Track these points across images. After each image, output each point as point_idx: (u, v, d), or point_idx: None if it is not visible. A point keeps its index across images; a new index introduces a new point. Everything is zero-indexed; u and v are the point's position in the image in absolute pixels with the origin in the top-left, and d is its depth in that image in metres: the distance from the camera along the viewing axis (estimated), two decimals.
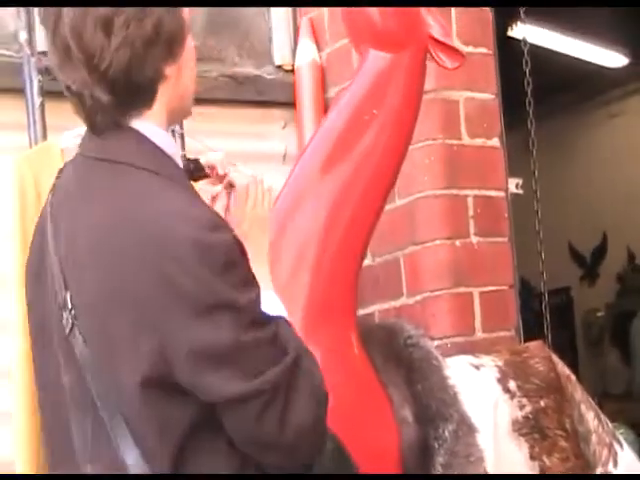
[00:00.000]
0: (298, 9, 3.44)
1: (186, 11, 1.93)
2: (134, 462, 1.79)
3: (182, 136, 2.84)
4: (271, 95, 3.35)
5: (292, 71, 3.37)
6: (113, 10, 1.81)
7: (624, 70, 8.46)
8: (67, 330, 1.86)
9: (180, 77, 1.92)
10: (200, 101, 2.22)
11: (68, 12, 1.81)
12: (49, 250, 1.92)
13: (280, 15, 3.43)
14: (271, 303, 1.92)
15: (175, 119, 2.01)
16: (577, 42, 8.30)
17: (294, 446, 1.83)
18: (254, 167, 2.92)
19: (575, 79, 8.13)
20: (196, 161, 2.13)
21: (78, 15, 1.81)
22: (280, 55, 3.42)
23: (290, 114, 3.33)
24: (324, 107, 3.25)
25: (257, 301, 1.82)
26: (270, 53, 3.41)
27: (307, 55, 3.34)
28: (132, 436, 1.81)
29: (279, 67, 3.41)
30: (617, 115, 8.58)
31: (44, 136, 2.85)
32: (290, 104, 3.33)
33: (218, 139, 2.93)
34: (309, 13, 3.40)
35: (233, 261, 1.78)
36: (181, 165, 1.95)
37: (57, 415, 1.92)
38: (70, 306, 1.85)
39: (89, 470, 1.85)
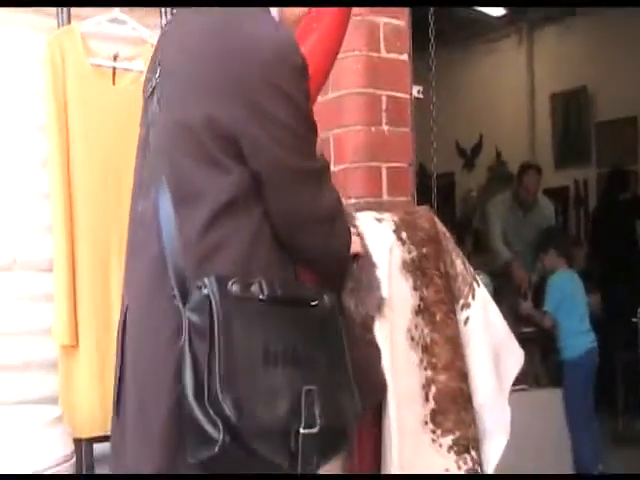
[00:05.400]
0: None
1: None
2: (165, 209, 1.56)
3: None
4: None
5: None
6: None
7: (501, 19, 8.42)
8: (148, 94, 1.70)
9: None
10: None
11: None
12: (155, 59, 1.74)
13: None
14: None
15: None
16: None
17: (325, 227, 1.69)
18: None
19: (466, 21, 8.05)
20: None
21: None
22: None
23: None
24: None
25: (315, 125, 1.67)
26: None
27: None
28: (170, 192, 1.57)
29: None
30: (493, 51, 8.57)
31: (69, 21, 2.75)
32: None
33: None
34: None
35: (306, 73, 1.62)
36: None
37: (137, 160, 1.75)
38: (158, 73, 1.67)
39: (140, 205, 1.67)
